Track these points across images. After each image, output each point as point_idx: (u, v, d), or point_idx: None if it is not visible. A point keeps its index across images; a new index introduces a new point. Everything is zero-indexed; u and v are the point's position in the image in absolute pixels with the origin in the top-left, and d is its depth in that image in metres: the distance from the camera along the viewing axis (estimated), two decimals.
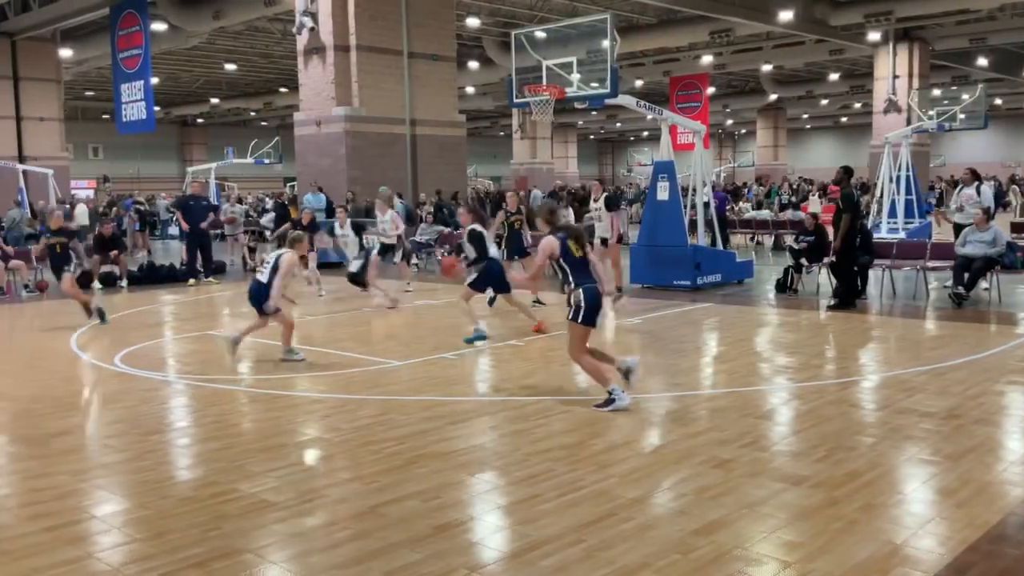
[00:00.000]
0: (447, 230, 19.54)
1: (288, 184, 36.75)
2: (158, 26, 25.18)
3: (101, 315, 11.70)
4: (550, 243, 6.88)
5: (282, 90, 43.02)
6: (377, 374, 8.42)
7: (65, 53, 29.57)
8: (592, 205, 13.13)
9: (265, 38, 31.35)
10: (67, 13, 25.70)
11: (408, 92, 21.76)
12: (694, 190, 15.19)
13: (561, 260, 6.86)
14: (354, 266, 12.97)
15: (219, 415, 7.05)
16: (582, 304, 6.79)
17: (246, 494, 5.09)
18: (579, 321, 6.82)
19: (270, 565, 4.22)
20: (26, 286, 15.85)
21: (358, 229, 13.27)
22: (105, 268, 16.58)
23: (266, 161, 30.90)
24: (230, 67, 37.51)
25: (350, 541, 4.38)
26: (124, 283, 16.47)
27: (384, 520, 4.63)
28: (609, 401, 6.81)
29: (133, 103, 23.29)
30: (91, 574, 4.12)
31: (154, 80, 25.00)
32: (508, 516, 4.79)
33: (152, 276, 17.12)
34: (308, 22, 20.86)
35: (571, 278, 6.87)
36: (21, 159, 26.95)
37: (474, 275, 10.04)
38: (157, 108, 25.57)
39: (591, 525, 4.50)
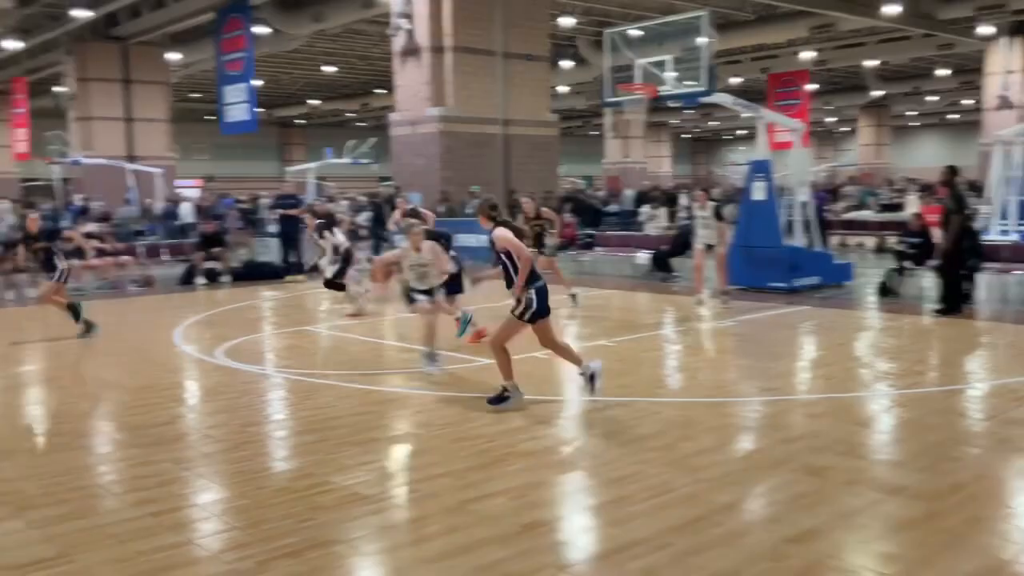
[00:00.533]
0: None
1: (384, 183, 37.42)
2: (260, 29, 25.93)
3: (76, 314, 10.85)
4: (506, 233, 6.78)
5: (378, 91, 43.76)
6: (468, 372, 8.49)
7: (173, 57, 30.75)
8: (700, 214, 12.74)
9: (363, 40, 31.95)
10: (175, 18, 26.69)
11: (502, 92, 21.87)
12: (791, 190, 14.82)
13: (512, 257, 6.78)
14: (329, 272, 12.57)
15: (315, 408, 7.22)
16: (534, 305, 6.77)
17: (339, 486, 5.20)
18: (524, 319, 6.81)
19: (361, 557, 4.30)
20: (134, 281, 16.55)
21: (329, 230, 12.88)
22: (208, 264, 17.18)
23: (363, 161, 31.49)
24: (329, 69, 38.35)
25: (439, 536, 4.43)
26: (226, 279, 17.03)
27: (472, 517, 4.66)
28: (502, 399, 6.85)
29: (236, 105, 24.09)
30: (191, 560, 4.27)
31: (256, 82, 25.76)
32: (596, 517, 4.76)
33: (253, 272, 17.66)
34: (404, 24, 21.15)
35: (516, 275, 6.77)
36: (131, 159, 28.13)
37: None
38: (259, 109, 26.37)
39: (681, 529, 4.43)
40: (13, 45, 28.34)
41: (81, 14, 25.35)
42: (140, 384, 8.25)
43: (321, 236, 12.77)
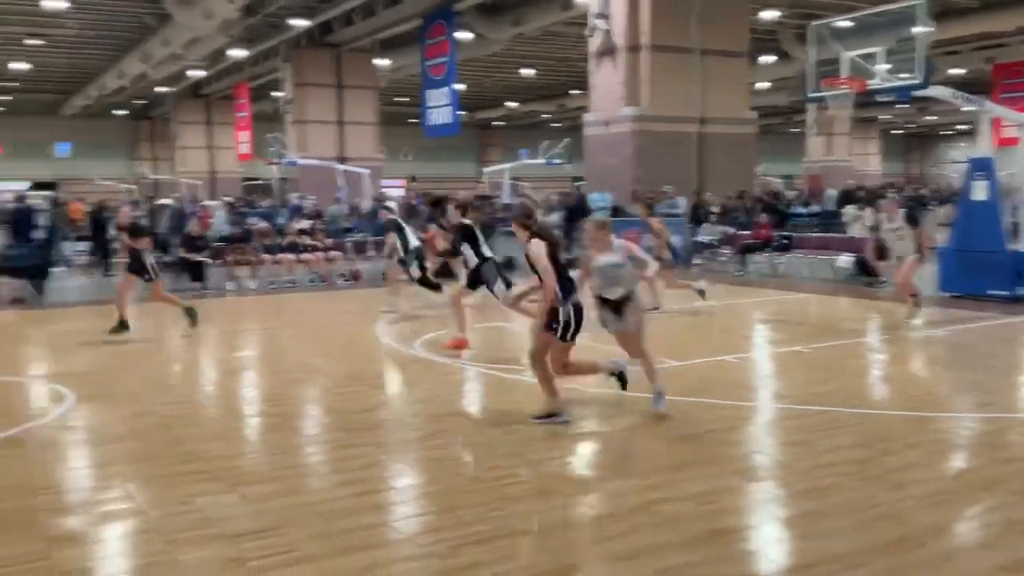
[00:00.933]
0: (731, 230, 19.08)
1: (576, 183, 37.72)
2: (463, 35, 26.78)
3: (192, 315, 10.88)
4: (541, 247, 6.38)
5: (574, 92, 44.12)
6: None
7: (381, 62, 32.35)
8: (887, 226, 11.66)
9: (560, 42, 32.31)
10: (384, 25, 28.05)
11: (698, 90, 21.47)
12: (1017, 190, 13.63)
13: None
14: (416, 271, 12.18)
15: (506, 403, 7.39)
16: (571, 322, 6.34)
17: (527, 479, 5.31)
18: (563, 339, 6.37)
19: (547, 550, 4.37)
20: (342, 275, 17.55)
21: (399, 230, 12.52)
22: None
23: (556, 161, 31.96)
24: (527, 72, 39.06)
25: (623, 535, 4.42)
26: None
27: (657, 518, 4.63)
28: (550, 416, 6.46)
29: (439, 108, 25.02)
30: (388, 540, 4.50)
31: (458, 86, 26.62)
32: (788, 529, 4.60)
33: (451, 269, 18.23)
34: (601, 24, 21.21)
35: (558, 289, 6.36)
36: (342, 160, 29.85)
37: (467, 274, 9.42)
38: (460, 112, 27.28)
39: (880, 548, 4.20)
40: (238, 53, 30.82)
41: (299, 23, 27.18)
42: (345, 372, 8.75)
43: (392, 232, 12.44)
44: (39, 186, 42.28)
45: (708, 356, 9.10)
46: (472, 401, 7.74)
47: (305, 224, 18.55)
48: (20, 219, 16.90)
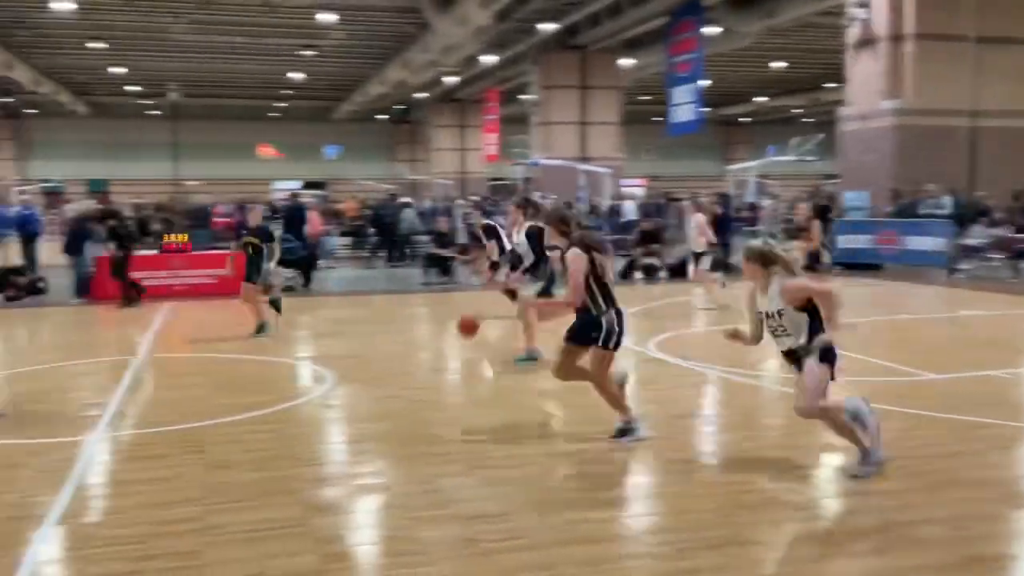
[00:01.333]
0: (1008, 233, 17.34)
1: (828, 181, 35.85)
2: (711, 29, 26.23)
3: (276, 306, 10.94)
4: (579, 257, 5.79)
5: (828, 86, 41.96)
6: (907, 386, 7.81)
7: (625, 62, 32.40)
8: None
9: (814, 33, 30.86)
10: (629, 24, 28.07)
11: (970, 80, 19.72)
12: None
13: (590, 279, 5.80)
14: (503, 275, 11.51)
15: (744, 407, 7.18)
16: (616, 328, 5.81)
17: (763, 488, 5.12)
18: (608, 347, 5.84)
19: (782, 561, 4.21)
20: None
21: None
22: (646, 260, 17.84)
23: (807, 159, 30.60)
24: (777, 65, 37.64)
25: (866, 555, 4.17)
26: (664, 275, 17.57)
27: (905, 540, 4.30)
28: (627, 431, 6.02)
29: (683, 105, 24.69)
30: (614, 536, 4.53)
31: (703, 82, 26.13)
32: None
33: (686, 269, 17.97)
34: (861, 13, 20.08)
35: (601, 300, 5.82)
36: (584, 160, 30.25)
37: (536, 283, 8.79)
38: (703, 109, 26.77)
39: None
40: (488, 59, 32.08)
41: (547, 27, 27.80)
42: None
43: (489, 239, 11.96)
44: (309, 185, 46.27)
45: (972, 370, 8.34)
46: (706, 404, 7.58)
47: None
48: (293, 215, 18.62)
